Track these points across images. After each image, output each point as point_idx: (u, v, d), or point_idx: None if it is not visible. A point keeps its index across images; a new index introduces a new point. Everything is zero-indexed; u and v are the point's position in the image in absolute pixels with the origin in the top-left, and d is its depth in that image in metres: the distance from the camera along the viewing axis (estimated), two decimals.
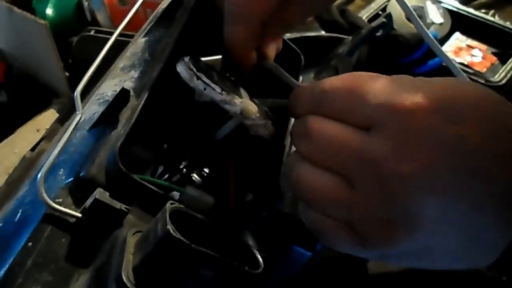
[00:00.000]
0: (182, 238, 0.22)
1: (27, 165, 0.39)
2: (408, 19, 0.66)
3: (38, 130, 0.68)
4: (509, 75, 0.68)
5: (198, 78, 0.33)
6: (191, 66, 0.34)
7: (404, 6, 0.49)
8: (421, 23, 0.47)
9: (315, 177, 0.28)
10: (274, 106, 0.39)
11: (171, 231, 0.22)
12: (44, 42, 0.71)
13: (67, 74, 0.74)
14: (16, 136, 0.68)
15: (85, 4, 0.78)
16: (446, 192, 0.25)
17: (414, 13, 0.48)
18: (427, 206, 0.25)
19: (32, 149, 0.44)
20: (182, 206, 0.25)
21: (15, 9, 0.72)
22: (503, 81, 0.67)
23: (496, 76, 0.68)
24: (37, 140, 0.61)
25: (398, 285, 0.52)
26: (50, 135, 0.46)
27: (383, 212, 0.25)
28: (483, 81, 0.66)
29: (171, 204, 0.25)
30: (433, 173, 0.24)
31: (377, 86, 0.27)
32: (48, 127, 0.67)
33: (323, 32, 0.77)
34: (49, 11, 0.80)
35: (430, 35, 0.48)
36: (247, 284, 0.26)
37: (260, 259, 0.27)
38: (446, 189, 0.25)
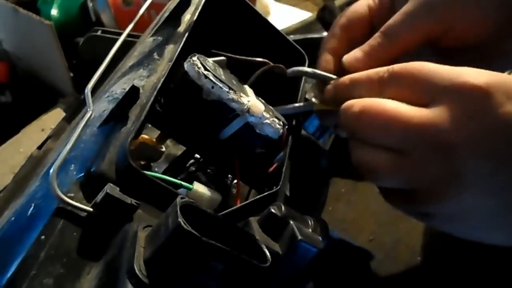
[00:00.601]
0: (193, 231, 0.23)
1: (34, 163, 0.40)
2: None
3: (43, 130, 0.68)
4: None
5: (206, 76, 0.34)
6: (199, 65, 0.34)
7: None
8: None
9: (369, 156, 0.31)
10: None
11: (182, 224, 0.23)
12: (49, 43, 0.72)
13: (71, 74, 0.75)
14: (21, 135, 0.68)
15: (90, 5, 0.78)
16: (495, 160, 0.28)
17: None
18: (477, 169, 0.28)
19: (39, 148, 0.44)
20: (192, 200, 0.26)
21: (21, 9, 0.73)
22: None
23: None
24: (42, 139, 0.62)
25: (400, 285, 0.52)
26: (56, 134, 0.47)
27: (436, 173, 0.29)
28: None
29: (181, 198, 0.25)
30: (489, 142, 0.28)
31: (438, 68, 0.30)
32: (53, 126, 0.68)
33: (325, 33, 0.78)
34: (54, 11, 0.80)
35: None
36: (255, 278, 0.26)
37: (268, 254, 0.27)
38: (495, 157, 0.28)
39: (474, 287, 0.49)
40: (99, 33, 0.69)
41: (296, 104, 0.42)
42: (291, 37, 0.68)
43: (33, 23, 0.70)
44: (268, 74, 0.41)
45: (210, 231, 0.25)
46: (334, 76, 0.38)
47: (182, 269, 0.24)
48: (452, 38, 0.36)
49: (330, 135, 0.59)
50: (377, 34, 0.37)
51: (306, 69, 0.39)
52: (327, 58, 0.40)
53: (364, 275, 0.52)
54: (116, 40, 0.37)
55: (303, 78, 0.46)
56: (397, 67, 0.32)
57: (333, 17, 0.75)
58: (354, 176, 0.61)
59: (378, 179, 0.33)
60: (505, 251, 0.47)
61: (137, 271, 0.23)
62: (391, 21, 0.36)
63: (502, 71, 0.41)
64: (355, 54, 0.37)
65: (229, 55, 0.39)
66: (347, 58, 0.37)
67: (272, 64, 0.40)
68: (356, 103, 0.32)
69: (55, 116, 0.70)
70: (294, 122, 0.43)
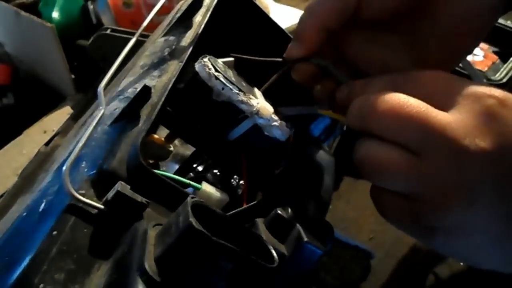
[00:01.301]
0: (204, 230, 0.23)
1: (42, 159, 0.40)
2: None
3: (45, 131, 0.68)
4: (510, 74, 0.69)
5: (217, 78, 0.34)
6: (210, 66, 0.34)
7: None
8: None
9: (382, 152, 0.30)
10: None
11: (194, 223, 0.23)
12: (51, 45, 0.72)
13: (73, 76, 0.75)
14: (23, 137, 0.68)
15: (91, 7, 0.79)
16: (508, 174, 0.27)
17: None
18: (488, 182, 0.27)
19: (46, 144, 0.45)
20: (202, 200, 0.26)
21: (22, 12, 0.73)
22: (504, 80, 0.68)
23: (497, 74, 0.69)
24: (45, 141, 0.62)
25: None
26: (64, 131, 0.47)
27: (446, 181, 0.28)
28: (484, 80, 0.67)
29: (192, 198, 0.25)
30: (504, 153, 0.27)
31: (456, 76, 0.30)
32: (55, 128, 0.68)
33: None
34: (55, 14, 0.81)
35: None
36: (262, 278, 0.27)
37: (275, 254, 0.27)
38: (509, 171, 0.27)
39: (473, 284, 0.50)
40: (108, 32, 0.69)
41: (301, 108, 0.42)
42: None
43: (34, 25, 0.71)
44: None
45: (219, 231, 0.25)
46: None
47: (192, 268, 0.24)
48: (368, 9, 0.36)
49: (335, 138, 0.59)
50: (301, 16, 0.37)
51: (329, 64, 0.38)
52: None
53: (364, 273, 0.52)
54: (124, 39, 0.37)
55: None
56: (414, 71, 0.31)
57: None
58: (354, 175, 0.61)
59: (386, 179, 0.30)
60: None
61: (147, 269, 0.23)
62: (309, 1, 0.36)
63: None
64: (290, 45, 0.37)
65: (247, 57, 0.39)
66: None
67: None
68: (377, 95, 0.30)
69: (57, 117, 0.70)
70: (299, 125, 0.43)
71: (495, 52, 0.74)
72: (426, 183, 0.28)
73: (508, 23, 0.78)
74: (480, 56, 0.73)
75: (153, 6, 0.70)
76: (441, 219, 0.29)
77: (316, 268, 0.33)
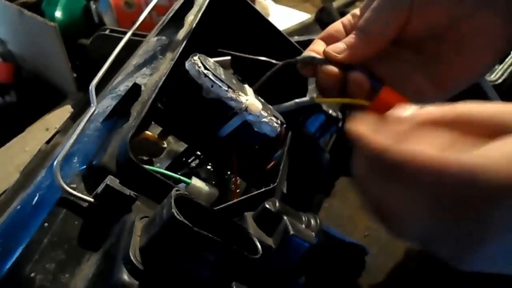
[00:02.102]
0: (185, 221, 0.24)
1: (42, 156, 0.41)
2: None
3: (47, 129, 0.70)
4: (505, 74, 0.69)
5: (206, 75, 0.35)
6: (200, 64, 0.35)
7: None
8: None
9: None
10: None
11: (176, 214, 0.24)
12: (53, 44, 0.73)
13: (75, 74, 0.76)
14: (26, 135, 0.70)
15: (93, 7, 0.80)
16: None
17: None
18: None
19: (47, 142, 0.46)
20: (186, 193, 0.27)
21: (25, 11, 0.74)
22: (500, 80, 0.68)
23: (493, 75, 0.69)
24: (47, 138, 0.63)
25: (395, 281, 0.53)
26: (64, 129, 0.48)
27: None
28: (479, 81, 0.67)
29: (176, 191, 0.26)
30: None
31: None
32: (57, 125, 0.69)
33: None
34: (58, 13, 0.82)
35: None
36: (247, 269, 0.27)
37: (259, 246, 0.28)
38: None
39: (467, 282, 0.50)
40: (107, 32, 0.70)
41: (297, 100, 0.42)
42: (294, 39, 0.69)
43: (37, 24, 0.72)
44: (277, 75, 0.42)
45: (203, 222, 0.26)
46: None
47: (175, 257, 0.25)
48: (415, 26, 0.38)
49: (331, 136, 0.60)
50: (355, 32, 0.39)
51: (317, 55, 0.39)
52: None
53: (359, 269, 0.53)
54: (119, 39, 0.38)
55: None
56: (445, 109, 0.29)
57: (330, 19, 0.77)
58: (349, 173, 0.62)
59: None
60: None
61: (132, 258, 0.24)
62: (362, 18, 0.39)
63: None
64: (336, 45, 0.39)
65: (234, 53, 0.40)
66: (328, 48, 0.39)
67: (275, 62, 0.40)
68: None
69: (59, 115, 0.71)
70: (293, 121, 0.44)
71: None
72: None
73: None
74: None
75: (156, 6, 0.71)
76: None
77: (307, 260, 0.34)
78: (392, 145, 0.27)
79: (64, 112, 0.72)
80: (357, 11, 0.42)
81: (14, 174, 0.61)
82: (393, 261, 0.55)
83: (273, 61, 0.40)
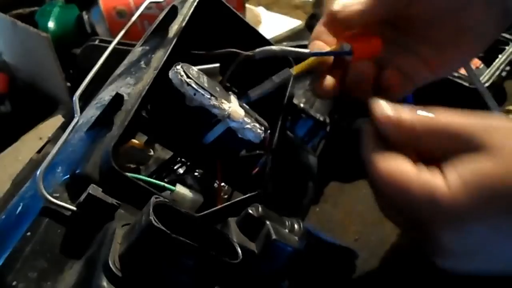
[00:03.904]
0: (163, 228, 0.24)
1: (33, 166, 0.42)
2: None
3: (40, 138, 0.70)
4: (493, 78, 0.70)
5: (188, 84, 0.36)
6: (182, 73, 0.36)
7: None
8: None
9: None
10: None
11: (153, 221, 0.24)
12: (46, 54, 0.74)
13: (68, 84, 0.77)
14: (19, 144, 0.70)
15: (85, 17, 0.80)
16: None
17: None
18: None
19: (38, 152, 0.47)
20: (166, 200, 0.27)
21: (19, 22, 0.75)
22: (487, 84, 0.69)
23: (481, 79, 0.70)
24: (39, 147, 0.64)
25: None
26: (54, 139, 0.49)
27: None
28: (467, 84, 0.68)
29: (156, 198, 0.27)
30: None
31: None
32: (50, 135, 0.70)
33: None
34: (51, 24, 0.82)
35: None
36: (228, 274, 0.28)
37: (239, 250, 0.28)
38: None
39: (456, 285, 0.50)
40: (96, 42, 0.71)
41: (274, 77, 0.42)
42: (284, 44, 0.70)
43: (30, 35, 0.72)
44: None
45: (183, 229, 0.26)
46: (304, 50, 0.40)
47: (154, 264, 0.25)
48: (413, 12, 0.40)
49: (320, 141, 0.61)
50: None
51: (273, 48, 0.40)
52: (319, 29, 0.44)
53: (349, 273, 0.53)
54: (113, 49, 0.39)
55: (290, 83, 0.47)
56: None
57: None
58: (340, 178, 0.62)
59: None
60: None
61: (111, 265, 0.24)
62: None
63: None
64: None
65: (203, 52, 0.40)
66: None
67: (241, 52, 0.41)
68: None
69: (52, 124, 0.72)
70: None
71: (478, 57, 0.75)
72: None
73: None
74: None
75: (147, 15, 0.72)
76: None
77: (290, 264, 0.35)
78: (373, 155, 0.32)
79: (57, 121, 0.72)
80: None
81: (8, 183, 0.61)
82: (383, 265, 0.55)
83: (237, 50, 0.40)
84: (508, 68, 0.74)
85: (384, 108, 0.33)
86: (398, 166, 0.31)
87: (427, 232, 0.31)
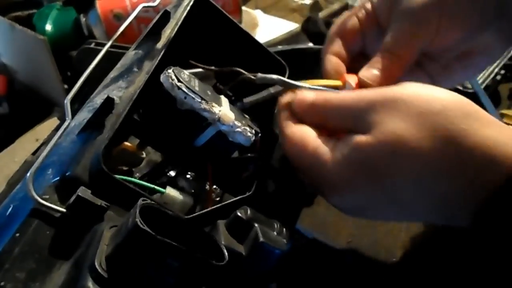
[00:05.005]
0: (148, 229, 0.25)
1: (28, 167, 0.42)
2: None
3: (37, 140, 0.71)
4: (487, 81, 0.71)
5: (179, 88, 0.36)
6: (173, 77, 0.37)
7: None
8: None
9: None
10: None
11: (139, 223, 0.25)
12: (44, 56, 0.74)
13: (65, 86, 0.78)
14: (16, 145, 0.71)
15: (83, 20, 0.81)
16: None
17: None
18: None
19: (33, 154, 0.47)
20: (153, 202, 0.28)
21: (17, 25, 0.76)
22: (483, 86, 0.70)
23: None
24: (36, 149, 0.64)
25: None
26: (48, 141, 0.50)
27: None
28: (461, 87, 0.68)
29: (143, 200, 0.27)
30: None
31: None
32: (46, 136, 0.70)
33: (310, 44, 0.81)
34: (48, 27, 0.83)
35: None
36: (214, 276, 0.28)
37: (225, 252, 0.29)
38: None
39: (447, 285, 0.51)
40: (92, 45, 0.71)
41: (271, 89, 0.43)
42: (278, 48, 0.71)
43: (28, 38, 0.73)
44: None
45: (169, 231, 0.27)
46: (303, 84, 0.41)
47: (140, 265, 0.26)
48: (439, 44, 0.41)
49: None
50: (384, 54, 0.41)
51: (273, 76, 0.40)
52: (331, 60, 0.44)
53: (342, 275, 0.54)
54: (108, 52, 0.40)
55: None
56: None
57: (316, 28, 0.78)
58: None
59: None
60: (480, 253, 0.49)
61: (97, 266, 0.25)
62: (392, 39, 0.41)
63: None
64: (372, 72, 0.41)
65: (203, 66, 0.41)
66: (366, 74, 0.41)
67: (244, 72, 0.41)
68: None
69: (49, 126, 0.72)
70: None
71: None
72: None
73: None
74: None
75: (144, 18, 0.73)
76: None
77: (278, 267, 0.35)
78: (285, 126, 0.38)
79: (53, 123, 0.73)
80: (367, 3, 0.44)
81: (3, 184, 0.62)
82: (375, 268, 0.56)
83: (240, 70, 0.41)
84: (502, 71, 0.75)
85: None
86: (300, 132, 0.36)
87: (319, 192, 0.37)
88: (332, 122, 0.36)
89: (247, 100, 0.43)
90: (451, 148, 0.30)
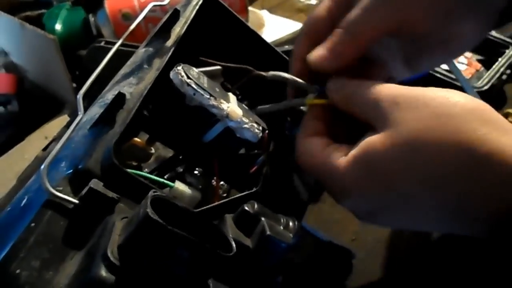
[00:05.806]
0: (159, 220, 0.26)
1: (38, 163, 0.43)
2: None
3: (46, 137, 0.72)
4: (492, 81, 0.71)
5: (188, 84, 0.37)
6: (183, 73, 0.37)
7: None
8: None
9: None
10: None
11: (150, 213, 0.26)
12: (53, 56, 0.75)
13: (74, 85, 0.79)
14: (25, 143, 0.72)
15: (92, 20, 0.82)
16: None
17: None
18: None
19: (44, 149, 0.48)
20: (164, 194, 0.29)
21: (27, 25, 0.77)
22: (487, 87, 0.70)
23: (480, 82, 0.71)
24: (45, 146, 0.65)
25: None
26: (59, 137, 0.51)
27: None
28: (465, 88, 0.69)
29: (154, 192, 0.28)
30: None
31: None
32: (55, 134, 0.72)
33: None
34: (58, 26, 0.84)
35: None
36: (222, 266, 0.29)
37: (233, 244, 0.29)
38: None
39: (451, 283, 0.51)
40: (102, 44, 0.72)
41: (287, 101, 0.42)
42: (284, 48, 0.71)
43: (38, 37, 0.74)
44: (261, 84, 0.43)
45: (179, 222, 0.27)
46: (314, 86, 0.41)
47: (151, 255, 0.26)
48: (408, 27, 0.38)
49: None
50: (337, 30, 0.38)
51: (285, 74, 0.40)
52: (297, 67, 0.41)
53: (346, 273, 0.54)
54: (117, 50, 0.41)
55: None
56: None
57: None
58: None
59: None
60: (482, 250, 0.49)
61: (109, 255, 0.26)
62: (351, 16, 0.37)
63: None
64: (318, 52, 0.38)
65: (214, 62, 0.42)
66: (311, 56, 0.38)
67: (254, 70, 0.42)
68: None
69: (58, 124, 0.73)
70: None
71: (478, 60, 0.76)
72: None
73: (492, 32, 0.80)
74: (464, 64, 0.75)
75: (152, 18, 0.74)
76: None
77: (285, 260, 0.36)
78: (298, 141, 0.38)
79: (62, 121, 0.74)
80: None
81: (14, 181, 0.63)
82: (380, 265, 0.56)
83: (250, 68, 0.41)
84: (508, 71, 0.75)
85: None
86: (310, 148, 0.36)
87: (333, 196, 0.36)
88: (357, 108, 0.35)
89: (260, 108, 0.43)
90: (469, 155, 0.29)
